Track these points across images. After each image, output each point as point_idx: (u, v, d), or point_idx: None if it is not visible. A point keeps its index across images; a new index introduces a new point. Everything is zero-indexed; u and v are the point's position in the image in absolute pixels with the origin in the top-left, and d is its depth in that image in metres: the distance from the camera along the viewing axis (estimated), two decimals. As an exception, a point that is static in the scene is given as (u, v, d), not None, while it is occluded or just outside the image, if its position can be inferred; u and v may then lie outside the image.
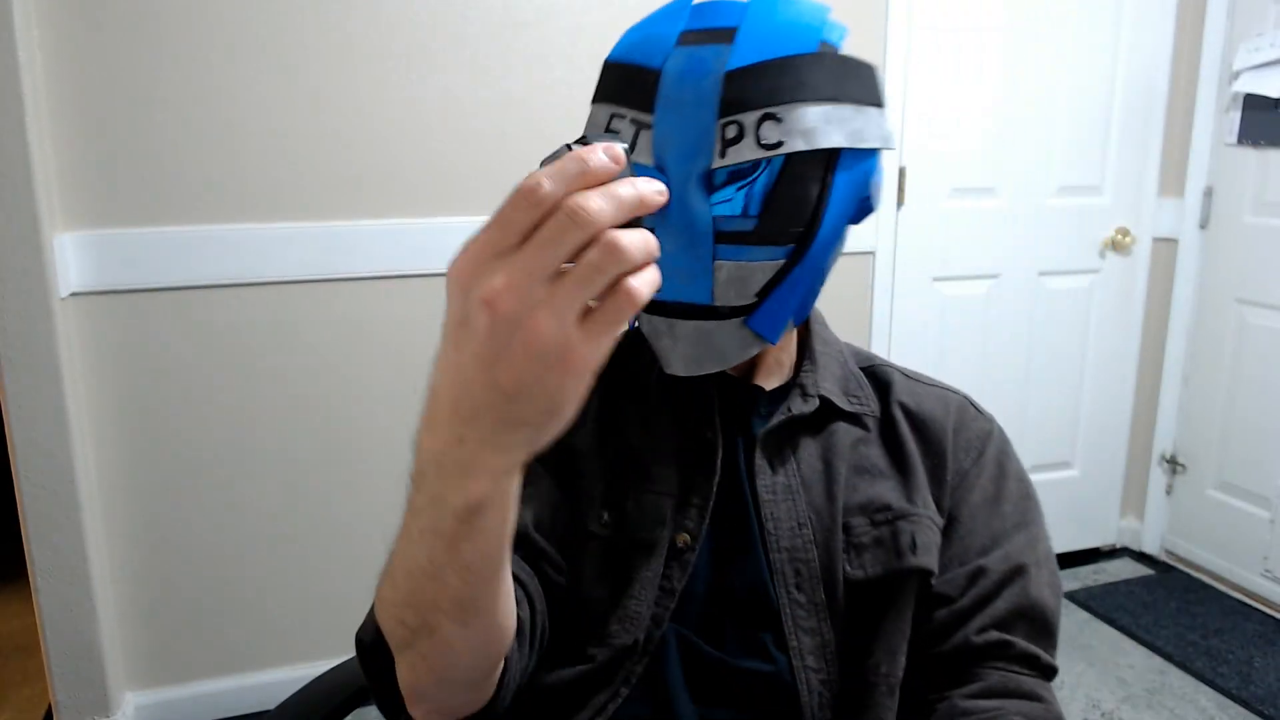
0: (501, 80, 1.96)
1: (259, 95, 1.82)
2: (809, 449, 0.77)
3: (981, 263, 2.47)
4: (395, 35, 1.88)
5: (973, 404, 0.83)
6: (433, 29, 1.90)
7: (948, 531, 0.77)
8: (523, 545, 0.74)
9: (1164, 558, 2.74)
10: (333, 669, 0.92)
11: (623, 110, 0.69)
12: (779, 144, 0.66)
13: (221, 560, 1.97)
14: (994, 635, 0.72)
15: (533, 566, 0.74)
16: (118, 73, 1.74)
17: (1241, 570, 2.51)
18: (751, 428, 0.78)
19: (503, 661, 0.63)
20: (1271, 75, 2.29)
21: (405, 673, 0.60)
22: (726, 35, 0.67)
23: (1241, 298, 2.47)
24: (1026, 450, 2.57)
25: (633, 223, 0.41)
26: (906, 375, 0.84)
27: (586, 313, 0.40)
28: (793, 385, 0.79)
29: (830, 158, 0.68)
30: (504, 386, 0.40)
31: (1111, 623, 2.38)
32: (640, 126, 0.68)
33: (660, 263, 0.57)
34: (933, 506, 0.77)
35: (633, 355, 0.80)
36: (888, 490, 0.76)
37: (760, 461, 0.76)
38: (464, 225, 1.98)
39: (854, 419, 0.79)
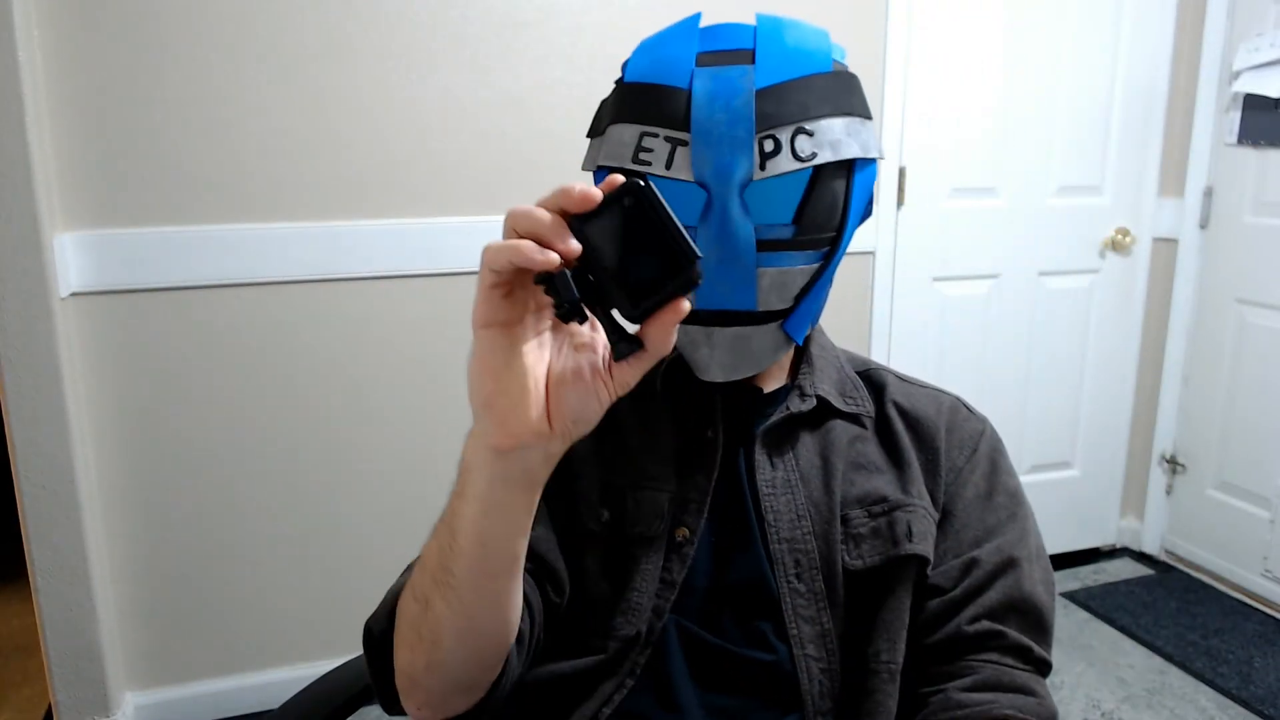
0: (501, 80, 1.96)
1: (259, 95, 1.82)
2: (807, 445, 0.80)
3: (981, 263, 2.47)
4: (395, 35, 1.88)
5: (965, 405, 0.86)
6: (433, 29, 1.90)
7: (942, 525, 0.79)
8: (535, 563, 0.76)
9: (1164, 558, 2.74)
10: (335, 669, 0.92)
11: (654, 129, 0.72)
12: (813, 155, 0.71)
13: (221, 560, 1.97)
14: (986, 625, 0.73)
15: (539, 584, 0.76)
16: (118, 72, 1.74)
17: (1241, 570, 2.51)
18: (751, 427, 0.80)
19: (499, 669, 0.67)
20: (1272, 75, 2.29)
21: (404, 655, 0.65)
22: (746, 57, 0.71)
23: (1241, 298, 2.47)
24: (1026, 450, 2.59)
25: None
26: (900, 378, 0.87)
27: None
28: (791, 387, 0.82)
29: (849, 166, 0.75)
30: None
31: (1111, 623, 2.38)
32: (675, 144, 0.71)
33: (704, 273, 0.66)
34: (927, 498, 0.79)
35: None
36: (884, 484, 0.79)
37: (760, 457, 0.78)
38: (464, 225, 1.98)
39: (850, 418, 0.82)
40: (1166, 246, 2.62)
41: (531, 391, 0.51)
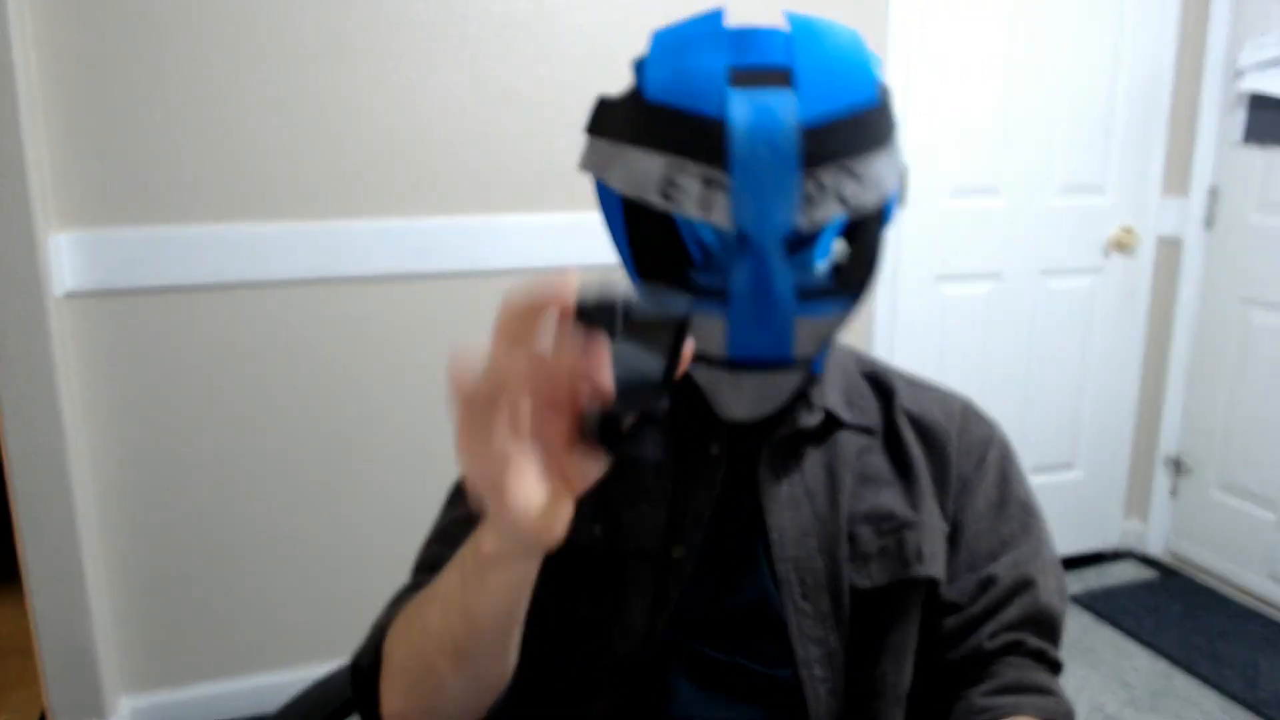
0: (501, 80, 1.95)
1: (257, 94, 1.81)
2: (813, 459, 0.77)
3: (984, 262, 2.46)
4: (395, 35, 1.87)
5: (974, 409, 0.83)
6: (432, 29, 1.89)
7: (953, 537, 0.77)
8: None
9: (1168, 560, 2.72)
10: (333, 673, 0.91)
11: (686, 164, 0.64)
12: (859, 200, 0.65)
13: (218, 562, 1.95)
14: (1006, 638, 0.73)
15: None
16: (113, 71, 1.73)
17: (1247, 573, 2.50)
18: (755, 441, 0.78)
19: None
20: (1277, 74, 2.28)
21: (398, 702, 0.64)
22: (783, 77, 0.64)
23: (1246, 297, 2.46)
24: (1029, 451, 2.58)
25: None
26: (909, 382, 0.84)
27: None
28: (797, 399, 0.79)
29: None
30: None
31: (1115, 626, 2.36)
32: (711, 184, 0.64)
33: (739, 323, 0.66)
34: (937, 512, 0.77)
35: None
36: (892, 498, 0.76)
37: (764, 472, 0.75)
38: (464, 225, 1.97)
39: (858, 428, 0.79)
40: (1170, 246, 2.61)
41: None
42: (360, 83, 1.87)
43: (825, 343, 0.71)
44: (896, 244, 2.35)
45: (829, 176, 0.64)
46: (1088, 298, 2.58)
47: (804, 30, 0.66)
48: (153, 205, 1.80)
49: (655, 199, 0.66)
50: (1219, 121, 2.47)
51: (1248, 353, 2.46)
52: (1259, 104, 2.36)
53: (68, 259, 1.74)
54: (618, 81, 2.00)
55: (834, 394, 0.79)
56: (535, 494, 0.45)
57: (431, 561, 0.75)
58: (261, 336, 1.90)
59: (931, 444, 0.79)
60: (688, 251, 0.68)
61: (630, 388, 0.44)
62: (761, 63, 0.64)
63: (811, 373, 0.74)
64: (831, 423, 0.78)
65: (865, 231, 0.69)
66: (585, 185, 2.04)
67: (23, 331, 1.67)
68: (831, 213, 0.65)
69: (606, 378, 0.43)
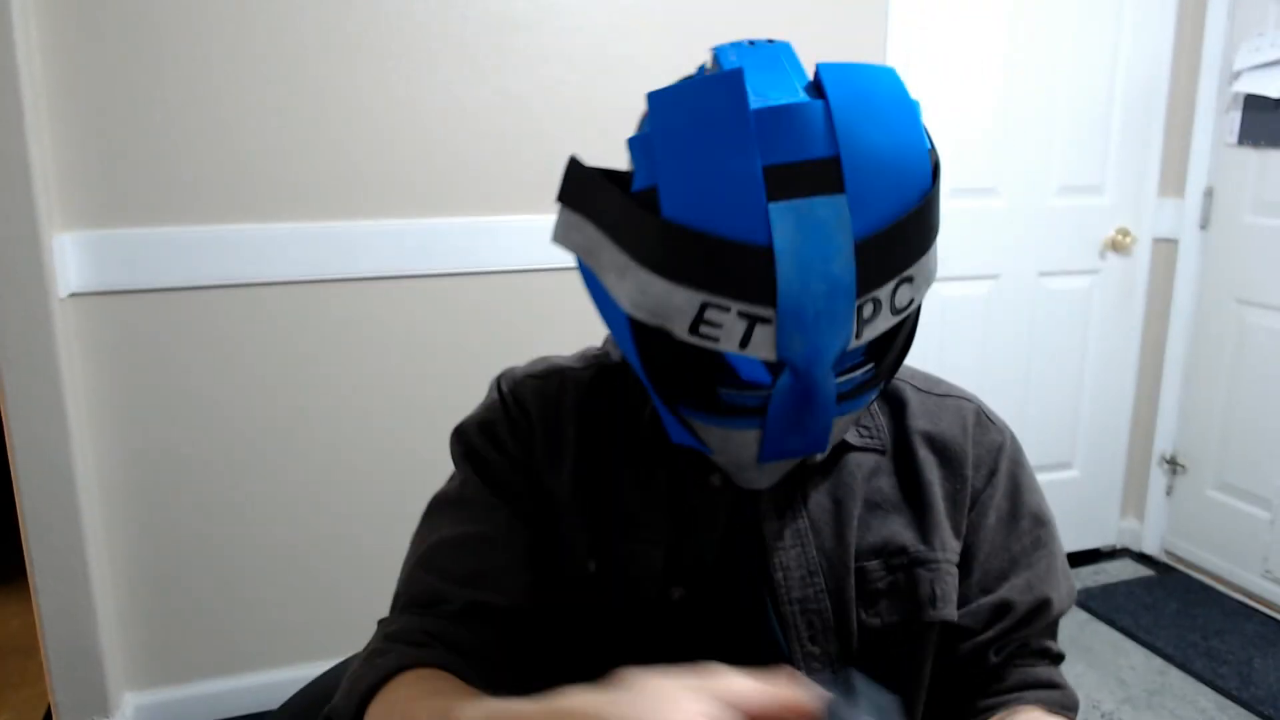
0: (501, 80, 1.96)
1: (258, 95, 1.82)
2: (818, 487, 0.72)
3: (981, 263, 2.47)
4: (395, 35, 1.88)
5: (985, 414, 0.79)
6: (432, 29, 1.90)
7: (965, 555, 0.74)
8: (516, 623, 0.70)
9: (1164, 559, 2.74)
10: (333, 668, 0.92)
11: (724, 302, 0.54)
12: (910, 301, 0.58)
13: (221, 560, 1.96)
14: (1013, 649, 0.74)
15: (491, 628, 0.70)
16: (117, 72, 1.74)
17: (1242, 571, 2.51)
18: None
19: None
20: (1272, 75, 2.29)
21: None
22: (829, 174, 0.53)
23: (1242, 298, 2.47)
24: (1027, 450, 2.57)
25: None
26: (919, 389, 0.79)
27: None
28: None
29: None
30: None
31: (1112, 624, 2.38)
32: (753, 319, 0.54)
33: (775, 433, 0.60)
34: (951, 544, 0.73)
35: (615, 395, 0.75)
36: (902, 528, 0.72)
37: (767, 509, 0.70)
38: (464, 225, 1.98)
39: (866, 449, 0.75)
40: (1167, 247, 2.62)
41: None
42: (360, 83, 1.88)
43: (856, 420, 0.67)
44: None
45: (885, 291, 0.56)
46: (1085, 298, 2.60)
47: (844, 99, 0.54)
48: (155, 206, 1.80)
49: (683, 334, 0.56)
50: (1214, 123, 2.48)
51: (1243, 353, 2.48)
52: (1254, 105, 2.37)
53: (72, 260, 1.75)
54: (618, 81, 2.00)
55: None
56: None
57: (424, 596, 0.70)
58: (264, 336, 1.91)
59: (948, 461, 0.75)
60: (715, 370, 0.62)
61: None
62: (801, 159, 0.53)
63: None
64: (839, 447, 0.74)
65: (908, 321, 0.63)
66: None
67: (27, 332, 1.68)
68: (883, 326, 0.58)
69: None
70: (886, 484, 0.73)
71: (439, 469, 2.04)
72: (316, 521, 2.01)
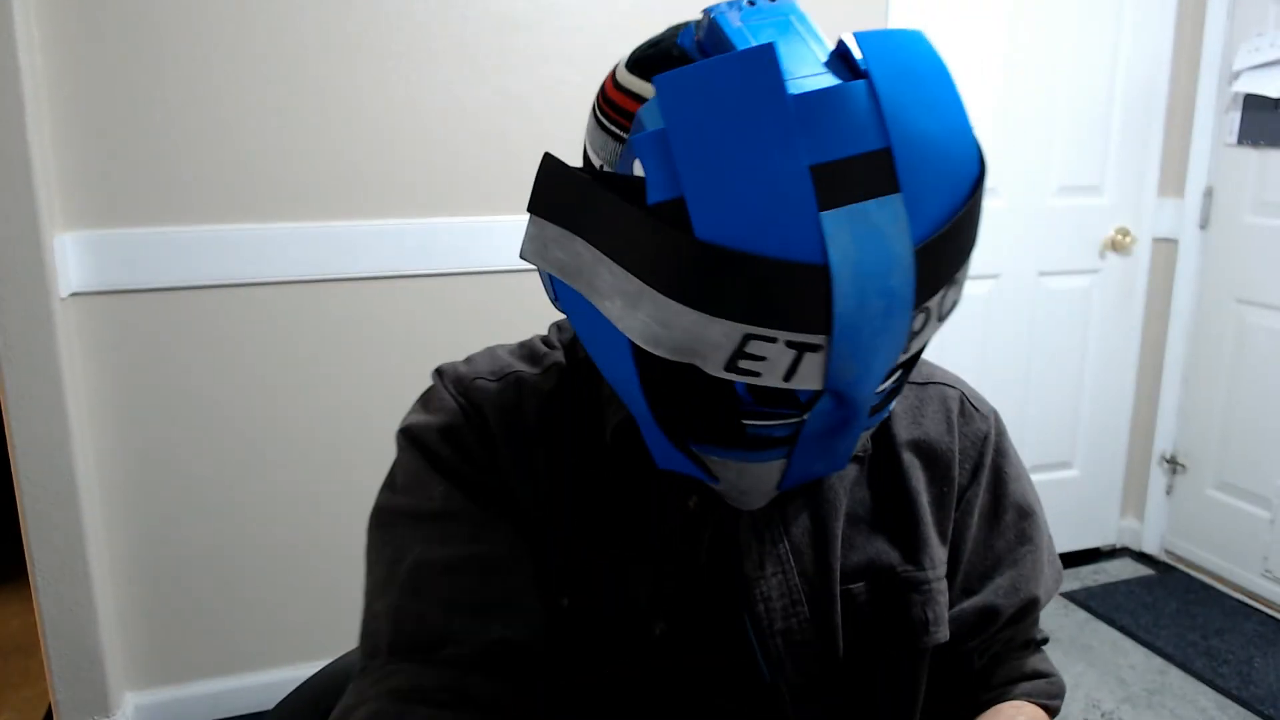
0: (502, 80, 1.96)
1: (259, 95, 1.82)
2: (798, 508, 0.66)
3: (981, 263, 2.47)
4: (395, 35, 1.88)
5: (969, 401, 0.75)
6: (433, 29, 1.90)
7: (949, 555, 0.71)
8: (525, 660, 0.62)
9: (1164, 558, 2.74)
10: (330, 664, 0.92)
11: (771, 333, 0.45)
12: (954, 305, 0.52)
13: (221, 560, 1.97)
14: (998, 648, 0.74)
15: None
16: (118, 73, 1.74)
17: (1242, 570, 2.51)
18: None
19: None
20: (1272, 75, 2.29)
21: None
22: (882, 170, 0.45)
23: (1241, 298, 2.47)
24: (1027, 450, 2.59)
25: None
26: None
27: None
28: None
29: None
30: None
31: (1111, 623, 2.38)
32: (803, 350, 0.46)
33: (802, 460, 0.54)
34: (939, 556, 0.69)
35: (580, 409, 0.67)
36: (888, 547, 0.68)
37: (745, 534, 0.64)
38: (464, 225, 1.98)
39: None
40: (1166, 246, 2.62)
41: None
42: (360, 83, 1.88)
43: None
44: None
45: (937, 300, 0.49)
46: (1085, 298, 2.60)
47: (889, 75, 0.47)
48: (156, 206, 1.80)
49: (716, 371, 0.48)
50: (1214, 123, 2.48)
51: (1242, 352, 2.48)
52: (1253, 105, 2.37)
53: (72, 259, 1.75)
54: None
55: None
56: None
57: (424, 636, 0.60)
58: (264, 336, 1.91)
59: (934, 464, 0.71)
60: (736, 399, 0.54)
61: None
62: (852, 153, 0.45)
63: None
64: None
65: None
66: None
67: (28, 331, 1.68)
68: (928, 336, 0.51)
69: None
70: (869, 494, 0.69)
71: (439, 469, 2.03)
72: (316, 521, 2.01)
